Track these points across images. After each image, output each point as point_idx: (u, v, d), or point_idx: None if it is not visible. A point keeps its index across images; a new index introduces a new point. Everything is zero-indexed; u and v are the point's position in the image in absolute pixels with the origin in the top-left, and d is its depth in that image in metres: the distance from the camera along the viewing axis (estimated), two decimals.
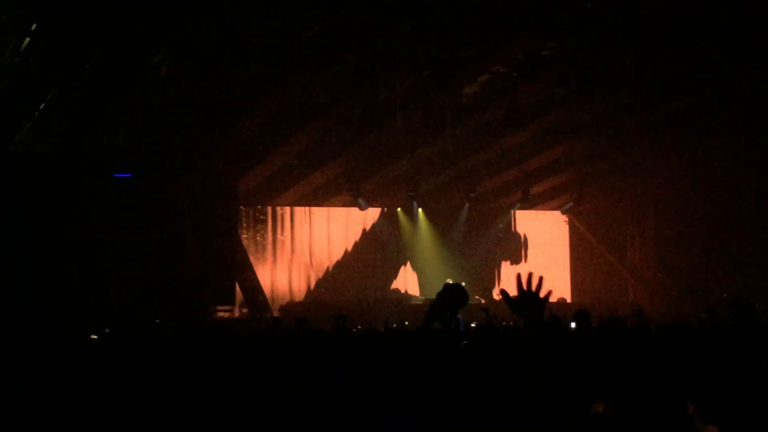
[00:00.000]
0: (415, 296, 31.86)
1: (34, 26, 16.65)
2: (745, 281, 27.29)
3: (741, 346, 6.43)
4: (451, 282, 6.93)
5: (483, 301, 29.70)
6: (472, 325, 13.48)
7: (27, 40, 17.08)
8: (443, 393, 5.11)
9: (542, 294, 4.56)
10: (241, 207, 29.67)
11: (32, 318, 18.64)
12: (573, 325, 10.44)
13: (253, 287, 27.91)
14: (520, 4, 17.70)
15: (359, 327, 17.45)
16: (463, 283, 5.23)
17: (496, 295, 30.95)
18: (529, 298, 4.60)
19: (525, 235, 35.73)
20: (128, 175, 23.84)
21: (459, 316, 7.22)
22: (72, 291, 21.85)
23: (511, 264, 35.07)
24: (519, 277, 4.59)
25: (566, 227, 36.20)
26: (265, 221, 32.07)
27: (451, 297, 6.88)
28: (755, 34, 19.05)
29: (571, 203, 33.67)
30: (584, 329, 7.83)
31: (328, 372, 5.67)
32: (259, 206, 31.68)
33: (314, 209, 32.77)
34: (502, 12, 17.97)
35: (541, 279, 4.59)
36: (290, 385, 5.49)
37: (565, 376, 5.22)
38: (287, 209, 32.46)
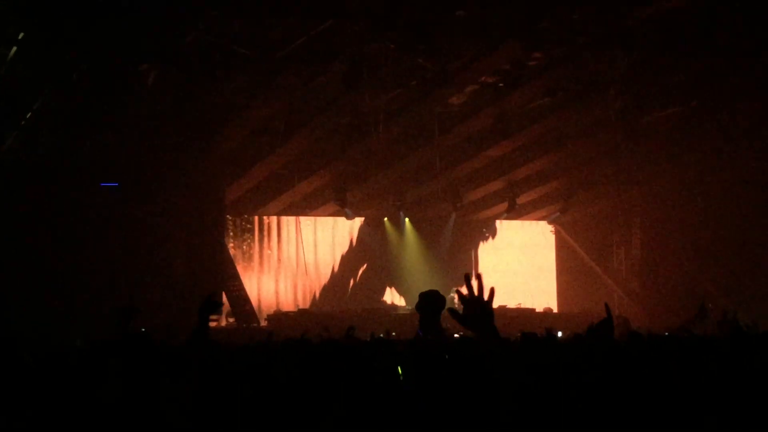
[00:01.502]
0: (401, 306, 31.86)
1: (21, 35, 16.63)
2: (731, 291, 27.39)
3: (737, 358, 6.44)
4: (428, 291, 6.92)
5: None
6: (456, 335, 13.46)
7: (14, 49, 17.06)
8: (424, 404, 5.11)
9: (485, 296, 4.24)
10: (228, 216, 29.63)
11: (16, 326, 18.56)
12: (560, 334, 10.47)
13: (240, 297, 27.85)
14: (507, 15, 17.76)
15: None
16: (454, 293, 5.23)
17: None
18: (475, 306, 4.22)
19: (511, 245, 35.75)
20: (115, 185, 23.79)
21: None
22: (57, 299, 21.77)
23: (498, 274, 35.08)
24: (467, 278, 4.22)
25: (552, 237, 36.26)
26: (251, 230, 32.04)
27: (428, 304, 6.88)
28: (741, 45, 19.17)
29: (558, 213, 33.77)
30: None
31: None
32: (246, 215, 31.65)
33: (301, 219, 32.76)
34: (489, 22, 18.03)
35: (481, 280, 4.28)
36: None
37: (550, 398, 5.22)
38: (274, 218, 32.44)
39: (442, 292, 6.77)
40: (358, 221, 32.80)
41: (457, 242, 34.51)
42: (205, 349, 6.17)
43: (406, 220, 32.85)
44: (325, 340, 8.84)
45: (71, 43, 17.04)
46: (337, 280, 33.10)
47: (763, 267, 27.57)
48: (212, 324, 24.47)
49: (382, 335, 18.60)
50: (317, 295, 32.83)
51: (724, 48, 19.37)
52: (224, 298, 26.81)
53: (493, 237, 35.56)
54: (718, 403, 5.24)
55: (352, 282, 33.00)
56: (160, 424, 4.94)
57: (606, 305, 6.84)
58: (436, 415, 5.02)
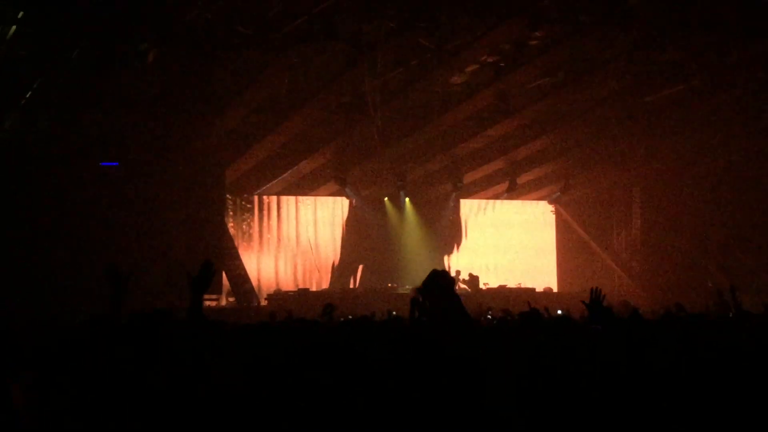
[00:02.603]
0: (402, 285, 31.89)
1: (20, 14, 16.58)
2: (731, 270, 27.42)
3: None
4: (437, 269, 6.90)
5: (469, 289, 29.81)
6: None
7: (13, 28, 17.01)
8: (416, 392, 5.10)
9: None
10: (228, 196, 29.62)
11: (17, 305, 18.59)
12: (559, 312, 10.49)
13: (240, 276, 27.86)
14: None
15: (350, 317, 17.40)
16: (455, 273, 5.23)
17: (482, 284, 31.05)
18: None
19: (512, 225, 35.76)
20: (115, 164, 23.77)
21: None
22: (58, 278, 21.80)
23: (499, 254, 35.13)
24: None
25: (553, 217, 36.27)
26: (251, 210, 32.03)
27: (434, 283, 6.84)
28: (742, 23, 19.12)
29: (558, 193, 33.79)
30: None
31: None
32: (246, 195, 31.64)
33: (301, 198, 32.75)
34: (490, 1, 17.97)
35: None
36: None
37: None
38: (274, 198, 32.43)
39: (439, 269, 6.74)
40: (359, 201, 32.77)
41: (457, 222, 34.57)
42: (201, 327, 6.12)
43: (407, 200, 32.84)
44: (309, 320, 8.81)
45: (70, 23, 16.99)
46: (338, 259, 33.13)
47: (762, 246, 27.59)
48: (212, 303, 24.38)
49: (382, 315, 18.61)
50: (317, 274, 32.85)
51: (725, 26, 19.32)
52: (223, 277, 26.86)
53: (494, 217, 35.54)
54: (717, 383, 5.25)
55: (352, 262, 33.01)
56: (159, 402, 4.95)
57: (591, 290, 6.93)
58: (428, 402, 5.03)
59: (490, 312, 16.26)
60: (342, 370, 5.23)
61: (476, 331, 6.59)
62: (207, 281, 6.14)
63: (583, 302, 7.29)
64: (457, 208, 34.32)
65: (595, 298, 7.07)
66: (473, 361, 5.30)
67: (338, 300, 20.70)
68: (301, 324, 7.89)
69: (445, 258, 34.19)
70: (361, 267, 32.93)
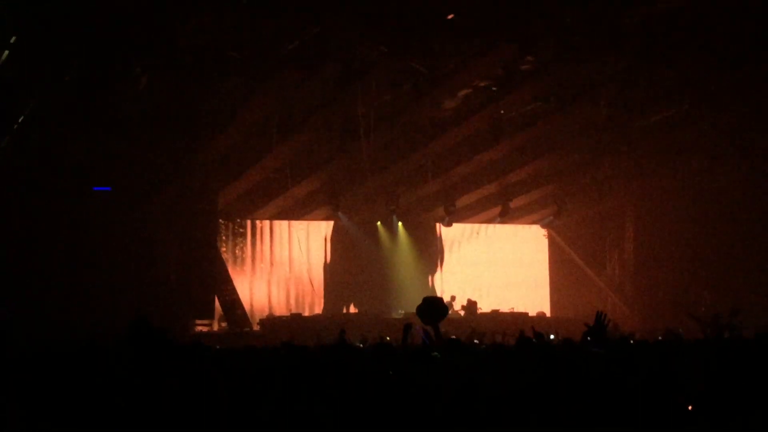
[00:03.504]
0: (395, 310, 31.81)
1: (13, 39, 16.59)
2: (724, 295, 27.39)
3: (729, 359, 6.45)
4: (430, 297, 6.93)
5: (463, 313, 29.76)
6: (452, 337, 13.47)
7: (6, 52, 17.01)
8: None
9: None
10: (221, 220, 29.57)
11: (7, 329, 18.50)
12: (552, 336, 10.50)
13: (232, 301, 27.77)
14: (499, 18, 17.76)
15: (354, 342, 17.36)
16: (450, 299, 5.27)
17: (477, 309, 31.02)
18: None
19: (505, 250, 35.73)
20: (107, 189, 23.73)
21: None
22: (49, 303, 21.72)
23: (491, 278, 35.08)
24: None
25: (546, 241, 36.25)
26: (244, 234, 31.98)
27: (430, 311, 6.87)
28: (733, 47, 19.20)
29: (551, 217, 33.79)
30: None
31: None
32: (239, 219, 31.59)
33: (294, 222, 32.70)
34: (481, 26, 18.03)
35: None
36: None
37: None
38: (267, 222, 32.38)
39: (433, 296, 6.78)
40: (351, 225, 32.73)
41: (449, 246, 34.59)
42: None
43: (399, 224, 32.82)
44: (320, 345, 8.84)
45: (63, 48, 17.01)
46: (330, 284, 33.03)
47: (755, 269, 27.58)
48: (204, 328, 24.35)
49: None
50: (310, 299, 32.76)
51: (716, 50, 19.40)
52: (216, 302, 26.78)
53: (487, 241, 35.51)
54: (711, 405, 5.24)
55: (345, 286, 32.91)
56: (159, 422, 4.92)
57: (597, 314, 6.93)
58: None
59: (478, 338, 16.20)
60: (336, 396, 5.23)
61: (470, 356, 6.60)
62: (142, 339, 5.76)
63: (586, 325, 7.29)
64: (450, 233, 34.30)
65: (600, 322, 7.07)
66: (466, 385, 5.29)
67: (330, 325, 20.67)
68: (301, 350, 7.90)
69: (439, 282, 34.15)
70: (354, 291, 32.83)
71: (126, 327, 5.63)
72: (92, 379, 5.27)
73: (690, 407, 5.39)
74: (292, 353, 7.46)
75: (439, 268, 34.54)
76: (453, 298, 31.11)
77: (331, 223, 32.61)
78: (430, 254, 34.12)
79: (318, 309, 32.35)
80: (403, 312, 29.36)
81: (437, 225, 33.82)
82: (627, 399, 5.41)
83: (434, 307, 7.21)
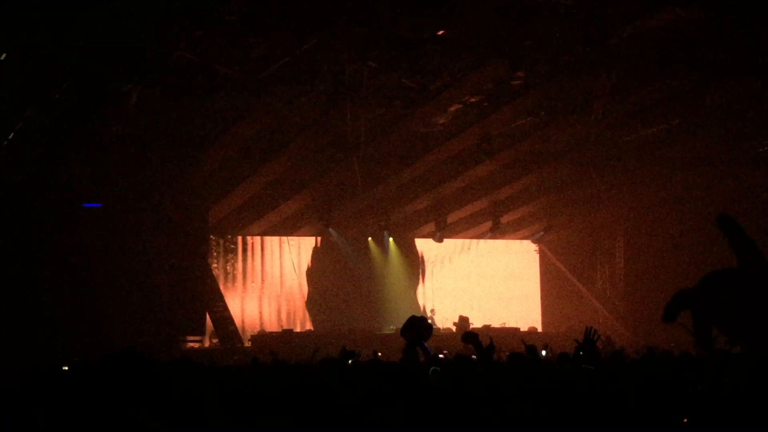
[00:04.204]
0: (386, 326, 31.75)
1: (3, 56, 16.58)
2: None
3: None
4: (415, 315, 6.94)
5: (453, 329, 29.71)
6: (443, 353, 13.44)
7: None
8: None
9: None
10: (212, 236, 29.52)
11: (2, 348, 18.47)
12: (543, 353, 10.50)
13: (223, 317, 27.72)
14: (490, 34, 17.80)
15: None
16: (430, 313, 5.30)
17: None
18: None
19: (495, 265, 35.72)
20: (98, 205, 23.69)
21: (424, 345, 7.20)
22: (39, 320, 21.67)
23: (482, 293, 35.05)
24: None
25: (537, 256, 36.26)
26: (235, 251, 31.93)
27: (414, 330, 6.88)
28: (723, 63, 19.27)
29: (542, 232, 33.83)
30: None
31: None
32: (230, 236, 31.54)
33: (285, 238, 32.67)
34: (472, 42, 18.07)
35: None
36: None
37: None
38: (257, 239, 32.35)
39: (425, 313, 6.81)
40: (342, 241, 32.70)
41: (441, 262, 34.59)
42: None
43: (390, 239, 32.82)
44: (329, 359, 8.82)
45: (53, 65, 17.00)
46: (322, 300, 32.96)
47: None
48: (195, 345, 24.37)
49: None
50: (301, 315, 32.70)
51: (705, 66, 19.47)
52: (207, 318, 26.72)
53: (478, 256, 35.50)
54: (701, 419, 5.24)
55: (337, 302, 32.84)
56: None
57: (586, 329, 6.95)
58: None
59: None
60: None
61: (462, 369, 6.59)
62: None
63: (576, 341, 7.30)
64: (440, 248, 34.30)
65: (590, 337, 7.09)
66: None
67: (321, 341, 20.59)
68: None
69: (430, 298, 34.12)
70: (345, 307, 32.76)
71: (110, 356, 5.55)
72: (84, 396, 5.24)
73: (685, 420, 5.39)
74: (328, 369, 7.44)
75: (429, 284, 34.53)
76: (433, 311, 31.11)
77: (322, 239, 32.59)
78: (422, 270, 34.11)
79: (309, 325, 32.31)
80: (394, 327, 29.30)
81: (428, 240, 33.81)
82: (620, 413, 5.41)
83: (419, 327, 7.23)
